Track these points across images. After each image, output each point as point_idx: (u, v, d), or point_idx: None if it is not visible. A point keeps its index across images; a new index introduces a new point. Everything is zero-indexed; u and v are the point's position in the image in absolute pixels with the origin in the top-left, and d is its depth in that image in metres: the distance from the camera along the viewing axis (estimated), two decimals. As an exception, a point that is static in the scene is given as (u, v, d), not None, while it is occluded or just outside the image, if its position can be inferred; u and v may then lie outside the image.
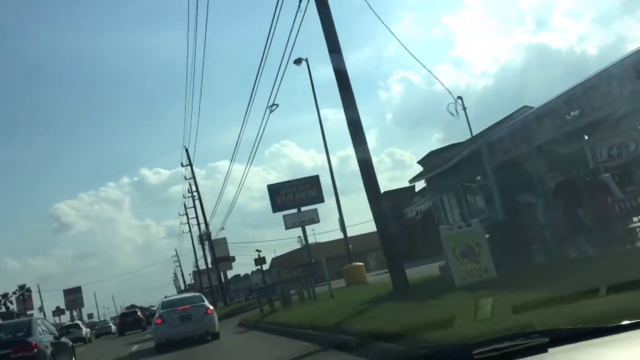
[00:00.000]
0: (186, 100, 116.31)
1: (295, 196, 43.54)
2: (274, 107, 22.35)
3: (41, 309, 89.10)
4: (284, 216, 44.31)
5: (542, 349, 2.16)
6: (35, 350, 13.05)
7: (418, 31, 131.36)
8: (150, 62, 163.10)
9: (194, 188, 58.64)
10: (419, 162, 34.85)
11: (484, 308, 3.64)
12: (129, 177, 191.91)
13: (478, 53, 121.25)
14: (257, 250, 33.22)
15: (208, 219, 61.82)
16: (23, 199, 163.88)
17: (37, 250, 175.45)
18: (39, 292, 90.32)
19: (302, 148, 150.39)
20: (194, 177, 53.67)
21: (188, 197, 67.85)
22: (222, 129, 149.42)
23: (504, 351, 2.14)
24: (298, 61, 33.98)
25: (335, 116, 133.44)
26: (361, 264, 30.27)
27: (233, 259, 78.25)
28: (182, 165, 52.47)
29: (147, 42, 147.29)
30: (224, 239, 76.23)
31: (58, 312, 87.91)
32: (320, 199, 44.48)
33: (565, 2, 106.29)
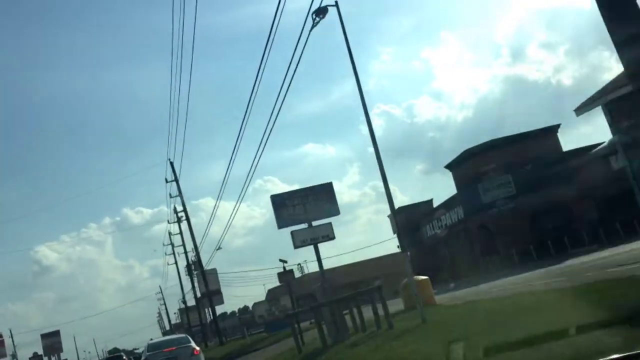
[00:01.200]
0: (169, 136, 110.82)
1: (305, 208, 36.07)
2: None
3: (14, 355, 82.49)
4: (293, 233, 36.31)
5: None
6: None
7: (397, 65, 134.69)
8: (130, 101, 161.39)
9: (180, 208, 50.92)
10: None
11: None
12: (110, 218, 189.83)
13: (457, 85, 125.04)
14: (281, 260, 25.19)
15: (193, 255, 54.15)
16: (3, 242, 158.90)
17: (17, 294, 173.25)
18: (11, 337, 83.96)
19: (284, 183, 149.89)
20: (180, 195, 46.01)
21: (173, 222, 60.03)
22: (204, 166, 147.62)
23: None
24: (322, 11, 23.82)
25: (316, 150, 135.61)
26: (426, 277, 22.66)
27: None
28: (167, 181, 45.01)
29: (126, 80, 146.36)
30: (214, 270, 68.81)
31: (35, 358, 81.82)
32: (334, 210, 37.09)
33: (540, 35, 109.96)
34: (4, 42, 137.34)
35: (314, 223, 37.19)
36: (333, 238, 37.52)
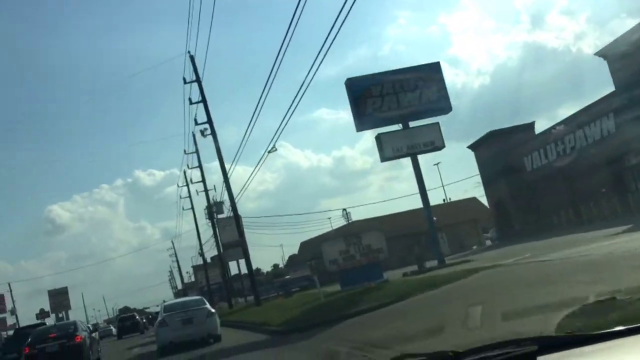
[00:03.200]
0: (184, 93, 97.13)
1: (399, 100, 23.45)
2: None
3: (13, 311, 77.88)
4: (380, 138, 23.83)
5: (530, 357, 2.06)
6: (81, 340, 18.63)
7: (414, 30, 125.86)
8: (145, 63, 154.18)
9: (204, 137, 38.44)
10: None
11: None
12: (122, 179, 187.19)
13: (474, 52, 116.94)
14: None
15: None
16: (16, 201, 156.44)
17: (31, 253, 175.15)
18: (10, 292, 78.67)
19: (297, 148, 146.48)
20: (208, 115, 33.25)
21: (191, 153, 47.95)
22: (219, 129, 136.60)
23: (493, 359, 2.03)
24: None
25: (329, 116, 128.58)
26: None
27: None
28: (185, 82, 32.40)
29: (141, 44, 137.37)
30: (239, 217, 56.10)
31: (42, 314, 77.55)
32: (446, 105, 24.41)
33: (561, 1, 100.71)
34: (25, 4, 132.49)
35: (412, 124, 24.73)
36: (441, 147, 25.01)
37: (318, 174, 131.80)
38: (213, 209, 48.47)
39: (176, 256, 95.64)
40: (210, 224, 49.26)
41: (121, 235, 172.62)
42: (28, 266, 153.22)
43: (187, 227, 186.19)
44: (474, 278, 15.12)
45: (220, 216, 50.03)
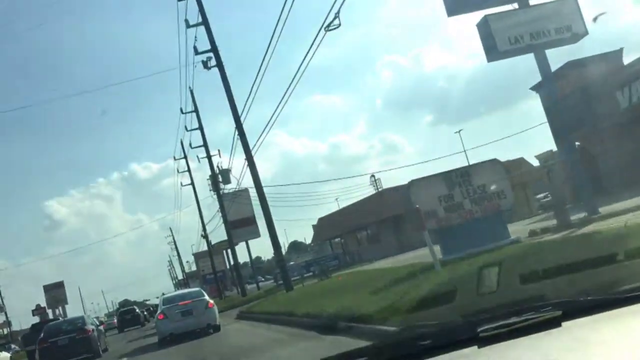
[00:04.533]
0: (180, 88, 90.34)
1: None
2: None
3: (1, 309, 74.35)
4: (488, 21, 14.74)
5: (555, 323, 1.89)
6: (90, 333, 19.79)
7: (405, 11, 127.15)
8: (137, 54, 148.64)
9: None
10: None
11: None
12: (119, 172, 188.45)
13: (467, 33, 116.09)
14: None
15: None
16: (12, 197, 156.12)
17: (29, 249, 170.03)
18: None
19: (292, 136, 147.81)
20: (211, 39, 24.85)
21: (189, 111, 39.95)
22: (210, 121, 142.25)
23: (513, 327, 1.85)
24: None
25: (325, 101, 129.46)
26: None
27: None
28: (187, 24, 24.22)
29: (134, 33, 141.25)
30: (247, 191, 48.56)
31: (38, 310, 73.17)
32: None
33: None
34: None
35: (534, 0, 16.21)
36: (581, 34, 16.27)
37: (316, 161, 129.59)
38: (218, 178, 40.19)
39: (175, 244, 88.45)
40: (215, 196, 40.96)
41: (119, 229, 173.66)
42: (26, 262, 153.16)
43: (186, 216, 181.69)
44: None
45: (227, 188, 41.77)
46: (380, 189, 48.08)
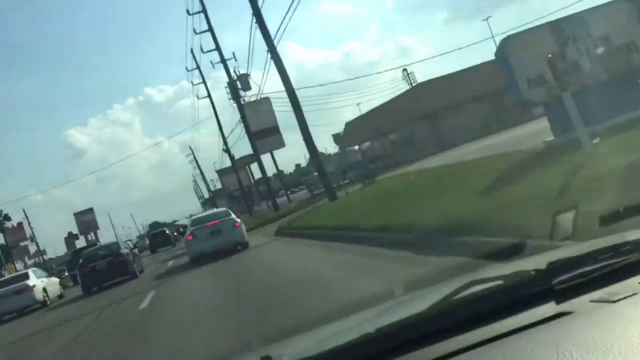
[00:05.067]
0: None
1: None
2: None
3: (32, 239, 73.59)
4: None
5: (639, 267, 1.55)
6: (125, 257, 20.85)
7: None
8: None
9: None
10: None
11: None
12: (134, 98, 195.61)
13: None
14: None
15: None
16: (32, 128, 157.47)
17: (56, 179, 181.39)
18: (27, 218, 72.58)
19: (305, 46, 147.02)
20: None
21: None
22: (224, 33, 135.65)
23: (592, 275, 1.55)
24: None
25: (334, 9, 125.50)
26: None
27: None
28: None
29: None
30: (268, 99, 45.21)
31: (71, 237, 75.57)
32: None
33: None
34: None
35: None
36: None
37: (328, 70, 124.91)
38: (237, 84, 36.45)
39: (196, 161, 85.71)
40: (235, 106, 37.37)
41: (141, 153, 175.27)
42: (55, 192, 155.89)
43: (205, 136, 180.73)
44: None
45: (247, 96, 38.10)
46: (414, 84, 43.76)
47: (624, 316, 1.37)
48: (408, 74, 43.85)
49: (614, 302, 1.44)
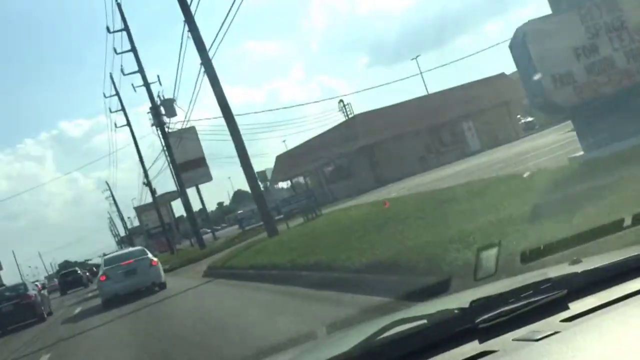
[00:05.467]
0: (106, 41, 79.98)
1: None
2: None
3: None
4: None
5: (561, 305, 1.62)
6: (32, 298, 19.89)
7: None
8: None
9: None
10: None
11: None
12: (47, 132, 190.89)
13: None
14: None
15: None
16: None
17: None
18: None
19: (228, 84, 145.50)
20: None
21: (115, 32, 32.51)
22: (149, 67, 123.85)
23: (515, 313, 1.59)
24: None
25: (260, 48, 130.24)
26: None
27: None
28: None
29: None
30: (193, 128, 42.95)
31: None
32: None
33: None
34: None
35: None
36: None
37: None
38: (160, 109, 33.26)
39: (113, 197, 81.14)
40: (158, 133, 34.09)
41: (53, 189, 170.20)
42: None
43: (123, 173, 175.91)
44: None
45: (171, 124, 35.02)
46: (350, 116, 41.62)
47: (546, 355, 1.38)
48: (344, 105, 41.88)
49: (536, 340, 1.44)
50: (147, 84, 32.55)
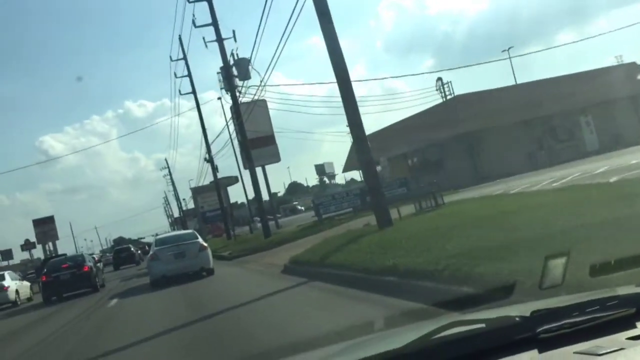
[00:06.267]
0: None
1: None
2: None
3: None
4: None
5: (628, 322, 1.61)
6: (88, 269, 21.57)
7: None
8: None
9: None
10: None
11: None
12: (113, 110, 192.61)
13: None
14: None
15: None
16: (6, 133, 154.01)
17: (25, 184, 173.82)
18: None
19: (290, 78, 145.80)
20: None
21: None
22: (205, 61, 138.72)
23: (579, 327, 1.60)
24: None
25: (323, 44, 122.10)
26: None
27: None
28: None
29: None
30: (264, 102, 38.18)
31: (27, 245, 70.33)
32: None
33: None
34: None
35: None
36: None
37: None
38: (232, 70, 28.48)
39: (170, 175, 78.44)
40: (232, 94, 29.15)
41: (115, 167, 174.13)
42: (23, 198, 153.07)
43: (182, 157, 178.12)
44: None
45: (243, 87, 30.06)
46: (449, 96, 35.53)
47: None
48: (443, 84, 35.63)
49: (599, 355, 1.42)
50: (220, 39, 27.80)
